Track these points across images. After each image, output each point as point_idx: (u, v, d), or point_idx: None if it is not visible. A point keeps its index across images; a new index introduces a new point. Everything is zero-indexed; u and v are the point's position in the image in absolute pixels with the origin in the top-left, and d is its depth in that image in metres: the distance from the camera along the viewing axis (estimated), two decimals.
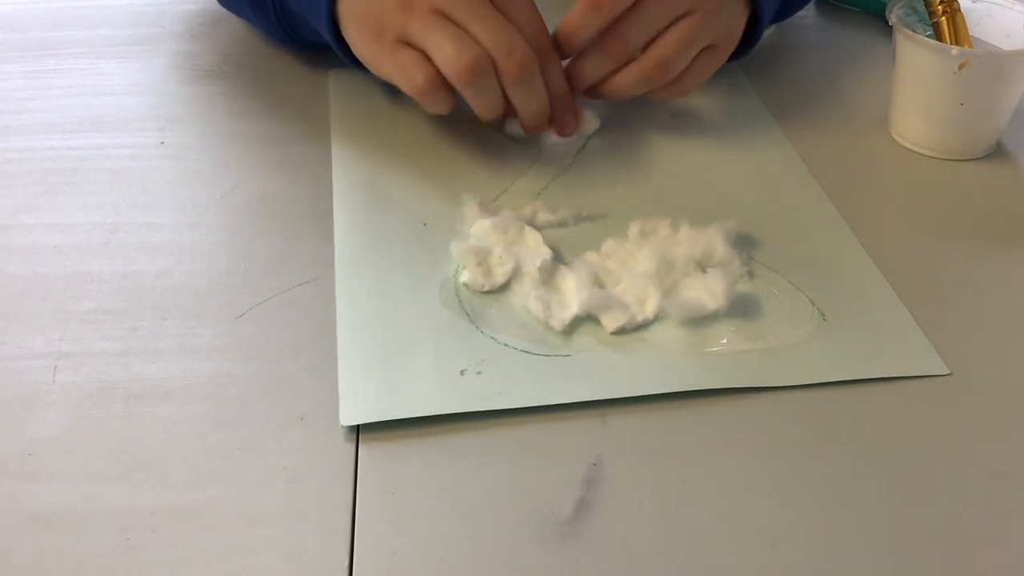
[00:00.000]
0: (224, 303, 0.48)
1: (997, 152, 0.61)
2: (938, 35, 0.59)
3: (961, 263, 0.52)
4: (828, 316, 0.48)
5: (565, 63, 0.58)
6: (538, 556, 0.37)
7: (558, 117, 0.58)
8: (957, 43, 0.58)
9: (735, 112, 0.65)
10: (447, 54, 0.52)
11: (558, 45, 0.57)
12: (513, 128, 0.61)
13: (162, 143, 0.61)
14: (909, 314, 0.48)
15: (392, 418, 0.42)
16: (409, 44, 0.54)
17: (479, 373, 0.44)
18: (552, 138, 0.60)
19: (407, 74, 0.54)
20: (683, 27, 0.55)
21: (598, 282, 0.49)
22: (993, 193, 0.58)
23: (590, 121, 0.60)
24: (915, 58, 0.58)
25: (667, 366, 0.45)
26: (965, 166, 0.60)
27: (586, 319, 0.47)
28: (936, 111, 0.59)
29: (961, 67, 0.56)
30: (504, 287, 0.49)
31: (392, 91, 0.65)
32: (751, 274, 0.50)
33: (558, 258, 0.51)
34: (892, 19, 0.59)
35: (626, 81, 0.57)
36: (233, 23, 0.74)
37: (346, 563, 0.37)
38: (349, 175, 0.57)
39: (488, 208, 0.53)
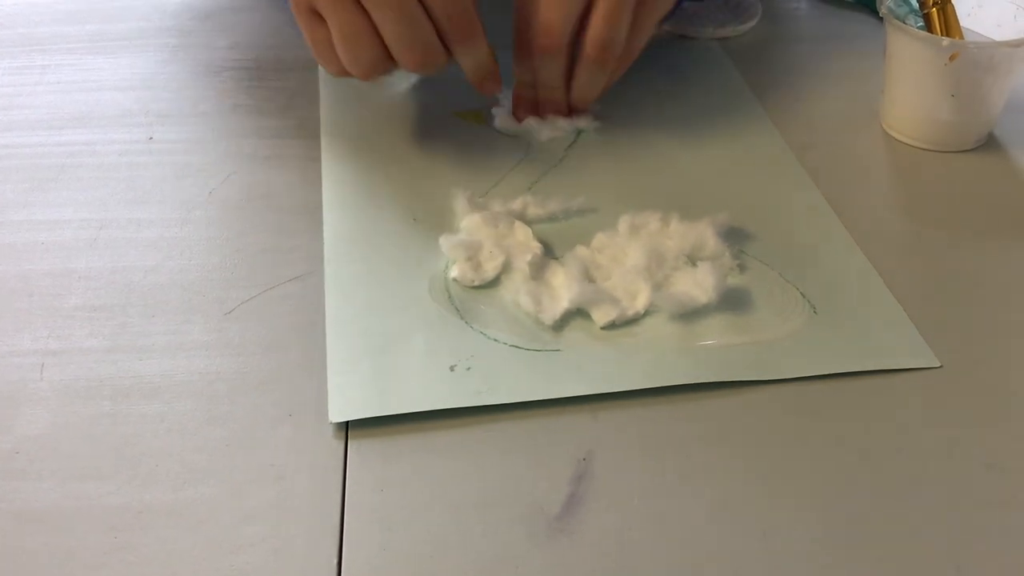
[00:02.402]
0: (213, 299, 0.48)
1: (988, 144, 0.61)
2: (929, 26, 0.59)
3: (952, 255, 0.52)
4: (819, 309, 0.48)
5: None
6: (528, 552, 0.37)
7: (477, 84, 0.57)
8: (948, 34, 0.58)
9: (726, 105, 0.64)
10: (344, 51, 0.52)
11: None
12: (503, 122, 0.60)
13: (151, 139, 0.60)
14: (900, 307, 0.48)
15: (381, 414, 0.42)
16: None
17: (469, 369, 0.44)
18: (544, 134, 0.60)
19: (320, 57, 0.54)
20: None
21: (588, 276, 0.48)
22: (984, 185, 0.58)
23: (582, 116, 0.60)
24: (906, 49, 0.58)
25: (658, 360, 0.45)
26: (956, 158, 0.60)
27: (576, 314, 0.47)
28: (927, 103, 0.58)
29: (952, 58, 0.56)
30: (494, 282, 0.49)
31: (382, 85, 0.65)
32: (742, 267, 0.50)
33: (548, 252, 0.50)
34: (883, 10, 0.59)
35: (582, 82, 0.56)
36: (222, 18, 0.74)
37: (335, 560, 0.37)
38: (338, 170, 0.57)
39: (478, 202, 0.53)
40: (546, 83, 0.57)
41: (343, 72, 0.53)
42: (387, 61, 0.52)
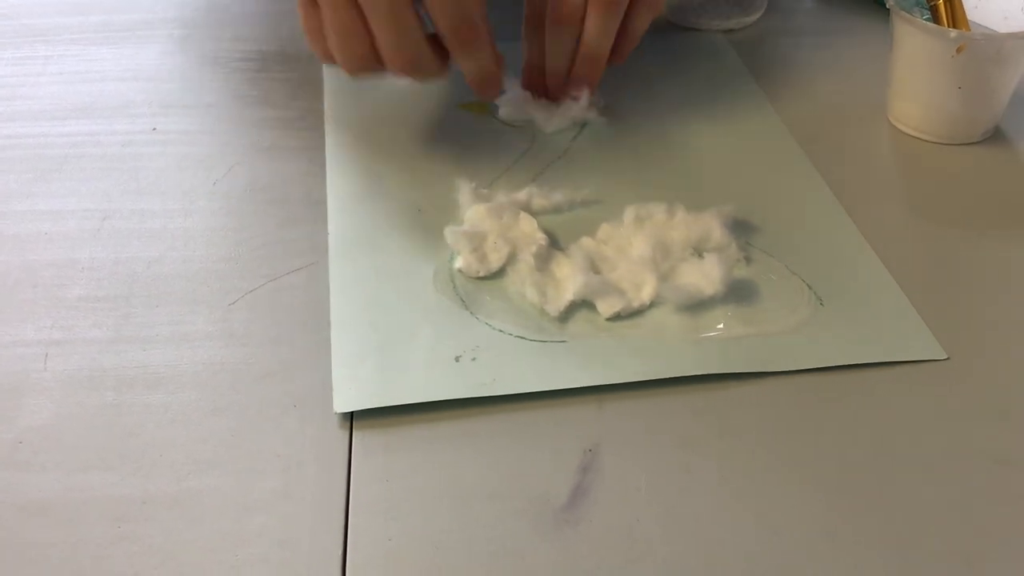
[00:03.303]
0: (217, 290, 0.48)
1: (995, 136, 0.61)
2: (936, 18, 0.58)
3: (959, 247, 0.52)
4: (825, 301, 0.47)
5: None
6: (534, 543, 0.37)
7: (476, 88, 0.56)
8: (955, 26, 0.58)
9: (731, 97, 0.64)
10: (334, 44, 0.51)
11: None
12: (507, 113, 0.60)
13: (154, 129, 0.60)
14: (907, 299, 0.48)
15: (386, 405, 0.41)
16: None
17: (474, 359, 0.44)
18: (549, 125, 0.59)
19: (311, 42, 0.53)
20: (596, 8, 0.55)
21: (594, 268, 0.48)
22: (991, 177, 0.57)
23: (586, 108, 0.60)
24: (912, 42, 0.58)
25: (663, 352, 0.45)
26: (963, 150, 0.59)
27: (582, 305, 0.47)
28: (934, 95, 0.58)
29: (959, 51, 0.55)
30: (499, 273, 0.49)
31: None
32: (748, 259, 0.50)
33: (553, 244, 0.50)
34: (890, 2, 0.58)
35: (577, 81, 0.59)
36: (226, 9, 0.74)
37: (340, 551, 0.37)
38: (343, 161, 0.57)
39: (483, 194, 0.53)
40: (556, 58, 0.58)
41: (330, 58, 0.53)
42: (376, 62, 0.52)
